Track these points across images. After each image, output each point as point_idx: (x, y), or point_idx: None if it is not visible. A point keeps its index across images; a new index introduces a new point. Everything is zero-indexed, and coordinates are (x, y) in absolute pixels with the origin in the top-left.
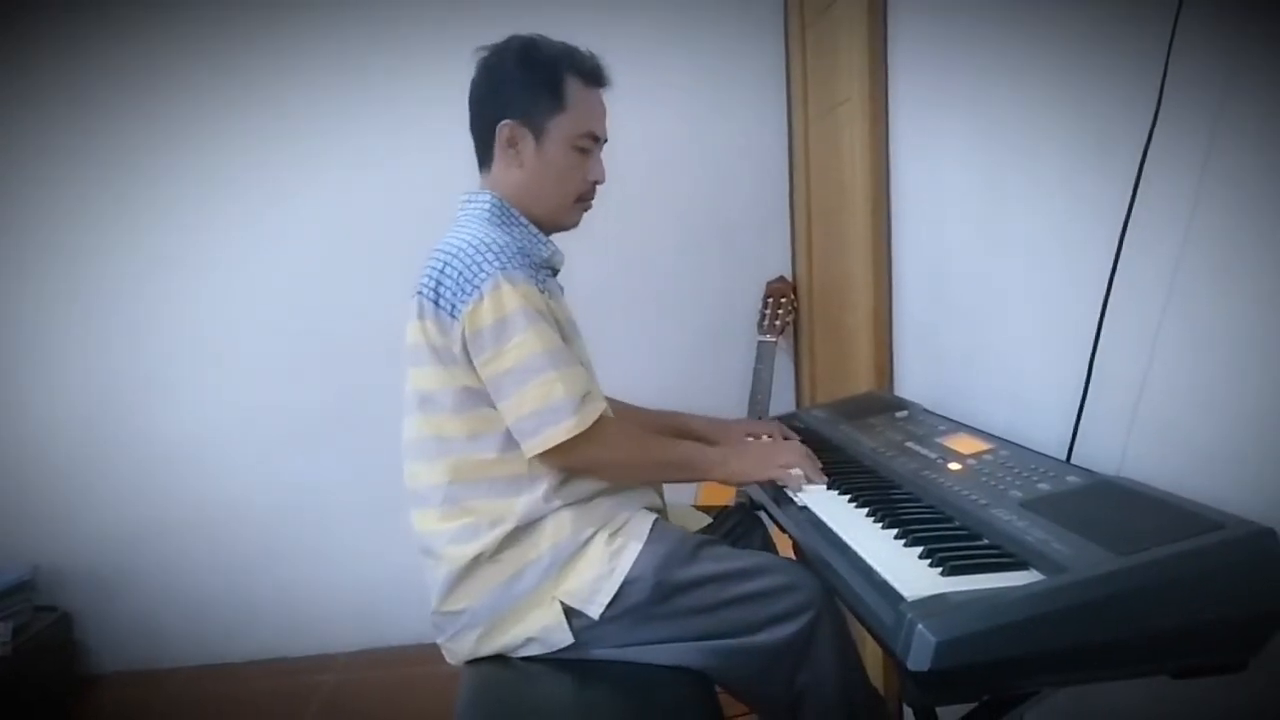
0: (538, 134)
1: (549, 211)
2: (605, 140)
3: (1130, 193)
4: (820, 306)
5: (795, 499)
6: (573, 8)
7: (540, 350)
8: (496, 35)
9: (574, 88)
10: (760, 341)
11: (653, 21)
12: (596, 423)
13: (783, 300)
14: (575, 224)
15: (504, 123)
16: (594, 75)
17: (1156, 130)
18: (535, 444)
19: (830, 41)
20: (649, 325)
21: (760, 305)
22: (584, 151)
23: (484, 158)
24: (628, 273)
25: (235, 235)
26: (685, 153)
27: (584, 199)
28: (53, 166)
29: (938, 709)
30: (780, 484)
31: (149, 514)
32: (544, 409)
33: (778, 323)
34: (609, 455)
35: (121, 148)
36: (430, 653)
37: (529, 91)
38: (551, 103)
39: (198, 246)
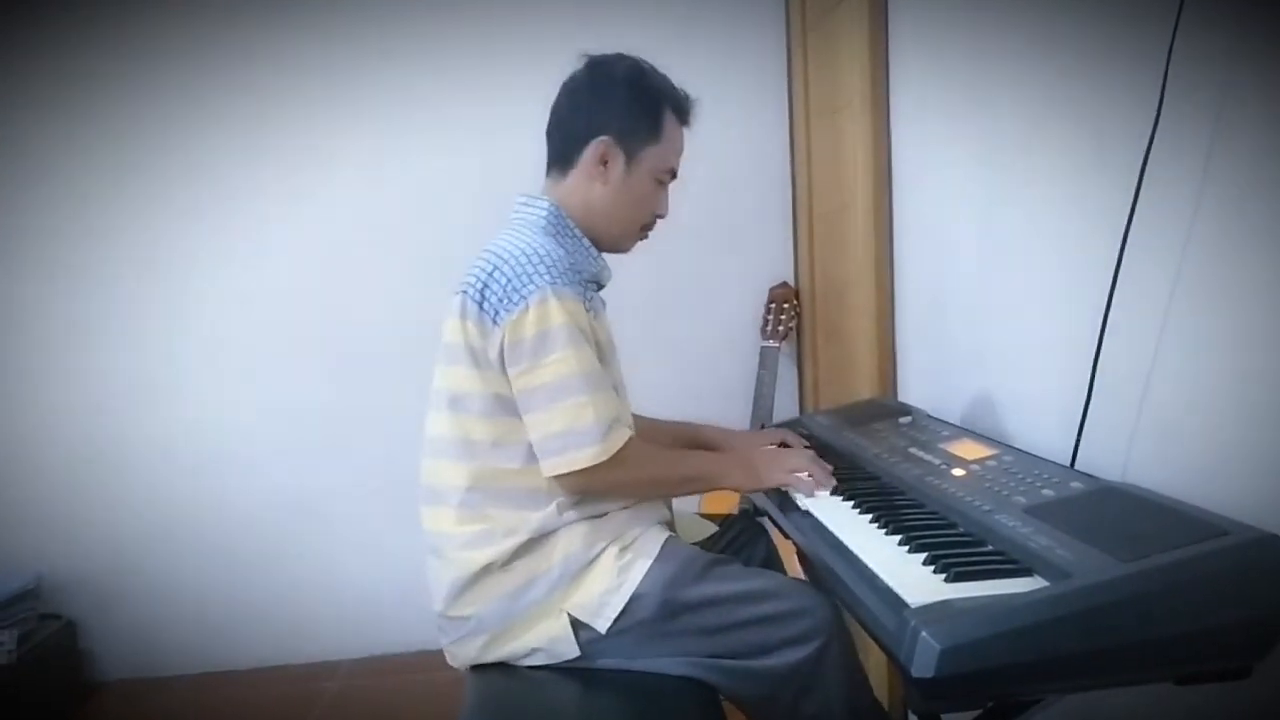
0: (630, 158)
1: (615, 234)
2: (676, 178)
3: (1132, 197)
4: (823, 311)
5: (800, 503)
6: (575, 10)
7: (576, 370)
8: (505, 35)
9: (670, 122)
10: (763, 347)
11: (653, 25)
12: (620, 448)
13: (785, 305)
14: (629, 250)
15: (602, 139)
16: (686, 114)
17: (1158, 135)
18: (556, 464)
19: (832, 45)
20: (652, 330)
21: (763, 311)
22: (661, 184)
23: (561, 164)
24: (631, 278)
25: (237, 239)
26: (687, 158)
27: (646, 229)
28: (56, 165)
29: (942, 715)
30: (788, 489)
31: (153, 521)
32: (570, 431)
33: (780, 328)
34: (627, 477)
35: (125, 145)
36: (434, 659)
37: (632, 116)
38: (650, 132)
39: (200, 253)
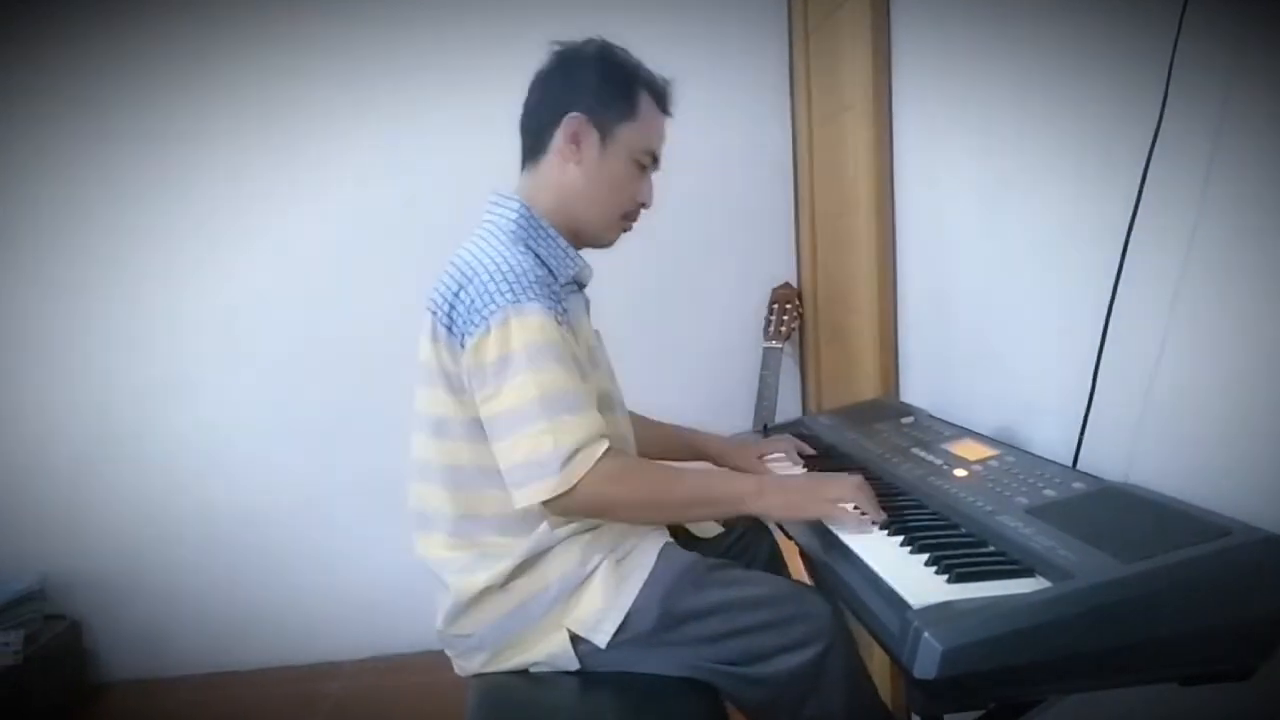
0: (604, 136)
1: (593, 221)
2: (659, 166)
3: (1135, 198)
4: (825, 313)
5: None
6: (578, 12)
7: (535, 396)
8: (504, 38)
9: (646, 103)
10: (766, 348)
11: (656, 28)
12: (603, 460)
13: (788, 306)
14: (612, 243)
15: (573, 115)
16: (663, 98)
17: (1160, 137)
18: (520, 496)
19: (834, 48)
20: (654, 332)
21: (765, 311)
22: (641, 168)
23: (534, 152)
24: (632, 279)
25: (241, 240)
26: (690, 159)
27: (629, 218)
28: (58, 167)
29: (945, 716)
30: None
31: (157, 522)
32: (531, 461)
33: (783, 329)
34: (619, 495)
35: (127, 148)
36: (438, 660)
37: (604, 91)
38: (624, 109)
39: (203, 253)
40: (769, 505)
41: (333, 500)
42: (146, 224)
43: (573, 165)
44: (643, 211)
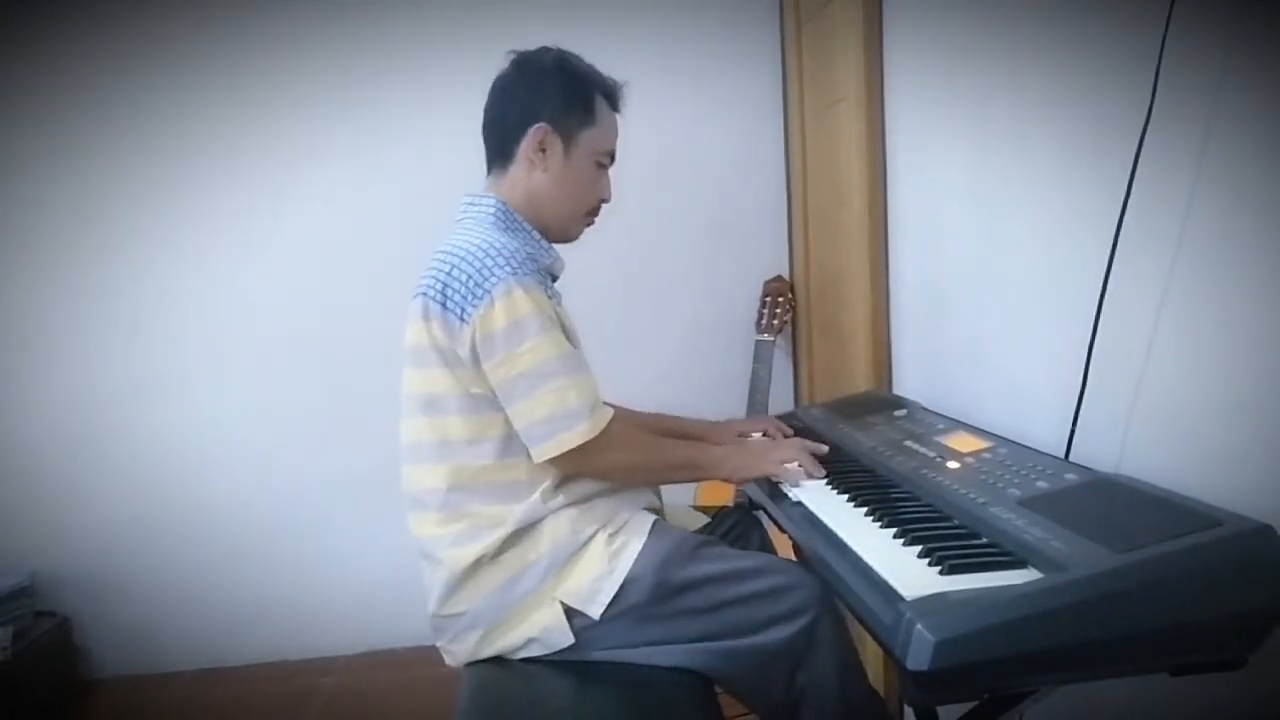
0: (568, 142)
1: (561, 220)
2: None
3: (1125, 188)
4: (818, 305)
5: (790, 494)
6: (569, 7)
7: (553, 355)
8: (495, 38)
9: (602, 106)
10: (758, 341)
11: (648, 20)
12: (606, 426)
13: (780, 299)
14: (577, 238)
15: (540, 125)
16: (615, 99)
17: (1150, 126)
18: (547, 448)
19: (826, 40)
20: (646, 325)
21: (758, 304)
22: (601, 168)
23: (501, 158)
24: (624, 273)
25: (231, 237)
26: (681, 152)
27: (592, 214)
28: (49, 165)
29: (938, 708)
30: (777, 480)
31: (148, 518)
32: (557, 415)
33: (775, 322)
34: (618, 458)
35: (118, 146)
36: (431, 655)
37: (566, 100)
38: (584, 115)
39: (194, 249)
40: (733, 468)
41: (325, 495)
42: (139, 222)
43: (539, 171)
44: (636, 205)
